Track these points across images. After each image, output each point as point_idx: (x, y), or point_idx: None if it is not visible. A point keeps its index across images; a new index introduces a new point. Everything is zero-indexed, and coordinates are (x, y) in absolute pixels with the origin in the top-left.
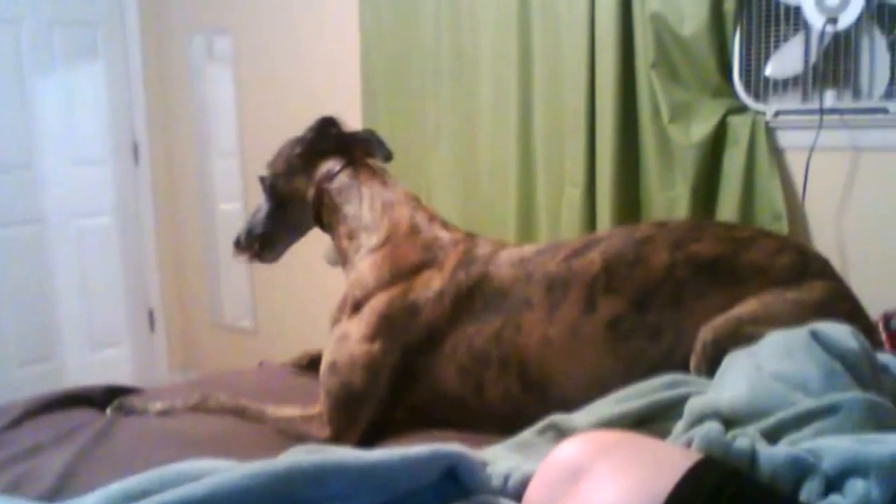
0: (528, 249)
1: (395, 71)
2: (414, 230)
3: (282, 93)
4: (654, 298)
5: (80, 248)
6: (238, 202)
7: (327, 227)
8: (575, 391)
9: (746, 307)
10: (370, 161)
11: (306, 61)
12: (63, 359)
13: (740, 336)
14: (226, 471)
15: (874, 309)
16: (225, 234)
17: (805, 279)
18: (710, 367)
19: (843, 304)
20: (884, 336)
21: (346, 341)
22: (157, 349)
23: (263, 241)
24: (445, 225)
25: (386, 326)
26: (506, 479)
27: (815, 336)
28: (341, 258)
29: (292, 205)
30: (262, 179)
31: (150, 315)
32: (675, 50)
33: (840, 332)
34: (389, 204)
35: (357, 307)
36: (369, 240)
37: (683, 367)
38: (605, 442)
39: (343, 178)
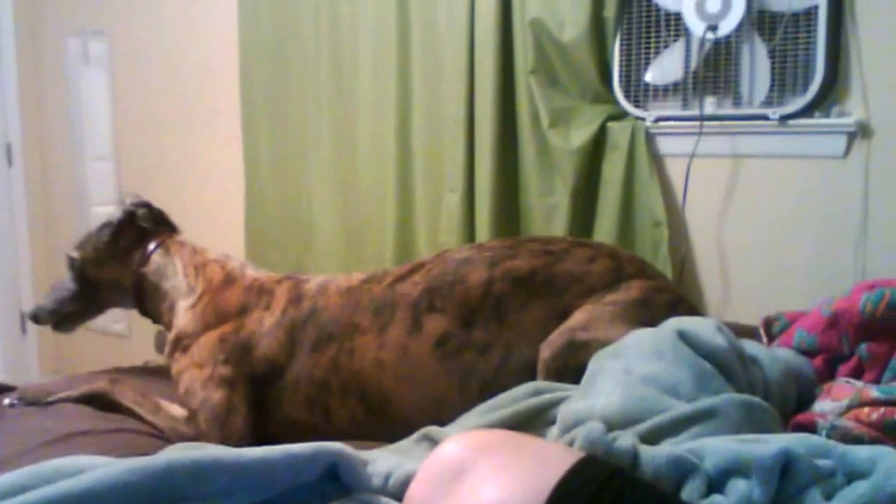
0: (356, 278)
1: (274, 76)
2: (228, 279)
3: (157, 96)
4: (478, 314)
5: None
6: (112, 205)
7: (150, 309)
8: (414, 410)
9: (574, 319)
10: (178, 237)
11: (183, 65)
12: None
13: (575, 345)
14: (104, 467)
15: (755, 313)
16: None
17: (622, 281)
18: (556, 380)
19: (662, 297)
20: (765, 340)
21: (186, 373)
22: (28, 352)
23: (65, 318)
24: (258, 269)
25: (222, 355)
26: (386, 478)
27: (681, 335)
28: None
29: (104, 289)
30: (72, 261)
31: (22, 318)
32: (555, 56)
33: (706, 329)
34: (201, 265)
35: (186, 349)
36: (187, 300)
37: (517, 380)
38: (488, 440)
39: (156, 259)
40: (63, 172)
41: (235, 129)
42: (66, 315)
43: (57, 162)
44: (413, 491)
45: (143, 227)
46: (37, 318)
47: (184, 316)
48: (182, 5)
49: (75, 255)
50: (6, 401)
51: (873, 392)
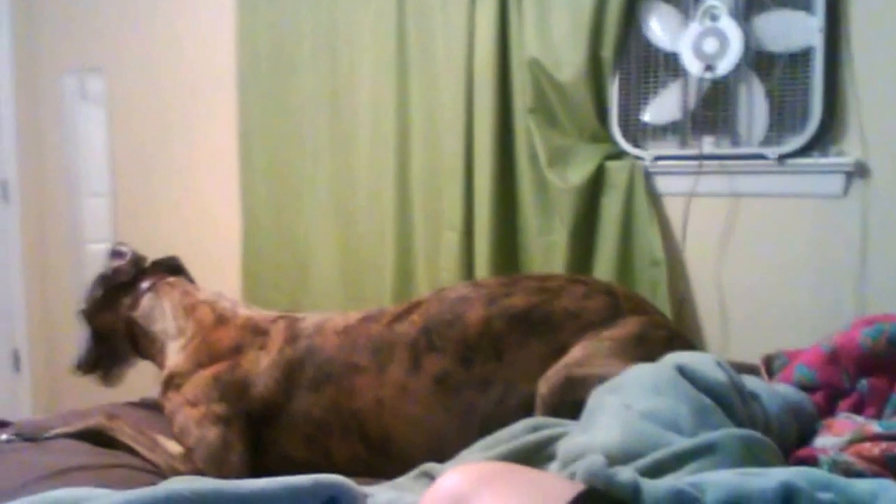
0: (353, 317)
1: (272, 113)
2: (220, 319)
3: (155, 133)
4: (476, 352)
5: None
6: (107, 243)
7: (144, 353)
8: (414, 448)
9: (571, 355)
10: (171, 278)
11: (180, 102)
12: None
13: (572, 381)
14: (101, 498)
15: (754, 352)
16: (93, 275)
17: (618, 317)
18: (554, 416)
19: (659, 333)
20: (765, 377)
21: (180, 412)
22: (21, 390)
23: (97, 367)
24: (250, 307)
25: (217, 393)
26: None
27: (681, 371)
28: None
29: (111, 337)
30: (80, 314)
31: (16, 355)
32: (553, 95)
33: (706, 365)
34: (191, 307)
35: (178, 387)
36: (177, 342)
37: (516, 416)
38: (489, 472)
39: (146, 302)
40: (59, 209)
41: (233, 166)
42: (95, 363)
43: (53, 198)
44: None
45: (134, 272)
46: (78, 366)
47: (175, 356)
48: (179, 42)
49: (82, 307)
50: (2, 436)
51: (875, 427)
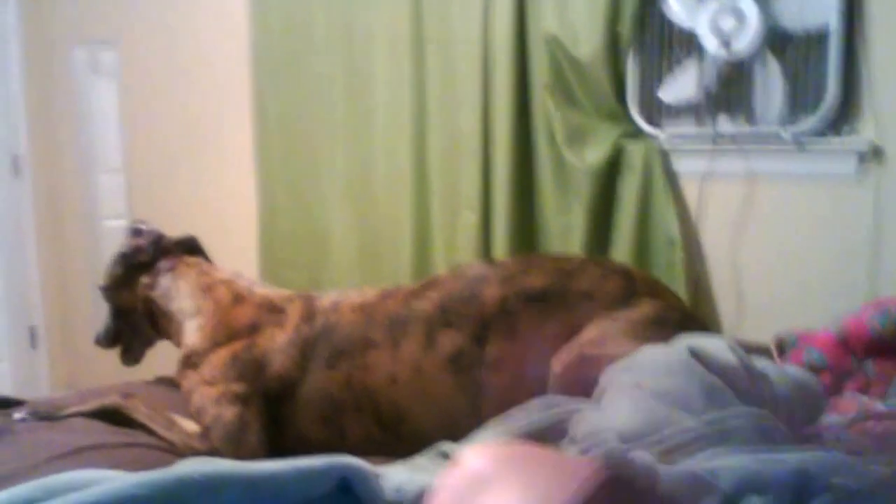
0: (370, 294)
1: (288, 90)
2: (237, 298)
3: (168, 108)
4: (491, 331)
5: None
6: (123, 219)
7: (163, 331)
8: (427, 426)
9: (585, 334)
10: (189, 258)
11: (193, 77)
12: None
13: (586, 360)
14: (113, 480)
15: (767, 332)
16: (109, 251)
17: (633, 299)
18: (567, 395)
19: (673, 315)
20: (777, 358)
21: (197, 391)
22: (38, 366)
23: (118, 342)
24: (267, 286)
25: (234, 372)
26: (399, 491)
27: (693, 353)
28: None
29: (129, 315)
30: (101, 290)
31: (32, 332)
32: (570, 72)
33: (717, 347)
34: (208, 287)
35: (196, 366)
36: (195, 321)
37: (530, 395)
38: (511, 452)
39: (164, 282)
40: (72, 184)
41: (248, 142)
42: (115, 338)
43: (65, 173)
44: (435, 501)
45: (153, 251)
46: (97, 340)
47: (192, 335)
48: (192, 16)
49: (101, 284)
50: (17, 415)
51: (878, 406)
